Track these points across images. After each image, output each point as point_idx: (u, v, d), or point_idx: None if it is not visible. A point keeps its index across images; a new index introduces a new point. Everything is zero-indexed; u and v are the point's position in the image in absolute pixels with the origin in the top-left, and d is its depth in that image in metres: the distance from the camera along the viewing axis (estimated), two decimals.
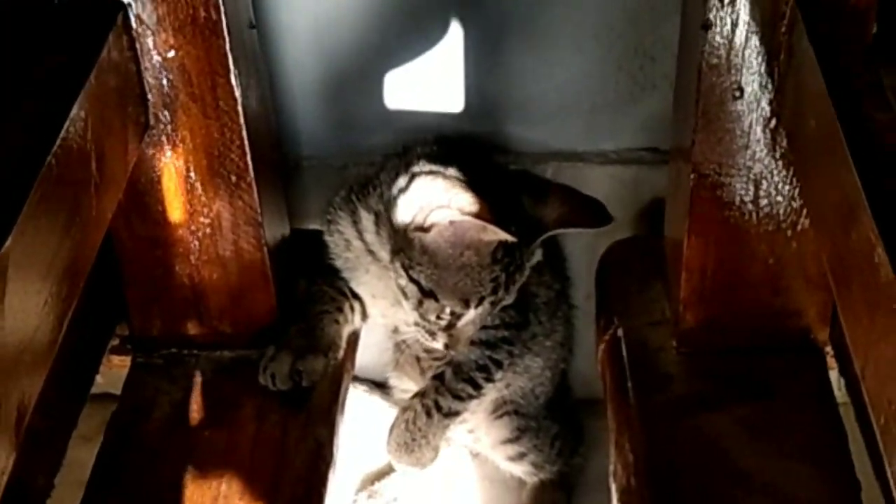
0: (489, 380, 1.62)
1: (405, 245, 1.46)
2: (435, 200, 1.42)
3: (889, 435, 1.03)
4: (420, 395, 1.65)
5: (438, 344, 1.51)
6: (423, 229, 1.43)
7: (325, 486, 1.54)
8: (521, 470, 1.83)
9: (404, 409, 1.65)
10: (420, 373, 1.75)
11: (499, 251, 1.44)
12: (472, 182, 1.44)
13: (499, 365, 1.62)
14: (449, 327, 1.49)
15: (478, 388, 1.62)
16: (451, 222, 1.41)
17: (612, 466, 1.58)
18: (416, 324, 1.52)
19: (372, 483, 1.97)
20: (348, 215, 1.55)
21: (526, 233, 1.46)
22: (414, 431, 1.63)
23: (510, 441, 1.78)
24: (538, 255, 1.51)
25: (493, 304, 1.48)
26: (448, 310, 1.47)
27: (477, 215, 1.40)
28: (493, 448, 1.81)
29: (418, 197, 1.44)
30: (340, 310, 1.61)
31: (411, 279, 1.47)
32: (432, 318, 1.49)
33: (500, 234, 1.40)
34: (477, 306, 1.47)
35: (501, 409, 1.76)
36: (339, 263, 1.59)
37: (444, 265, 1.44)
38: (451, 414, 1.62)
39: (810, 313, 1.58)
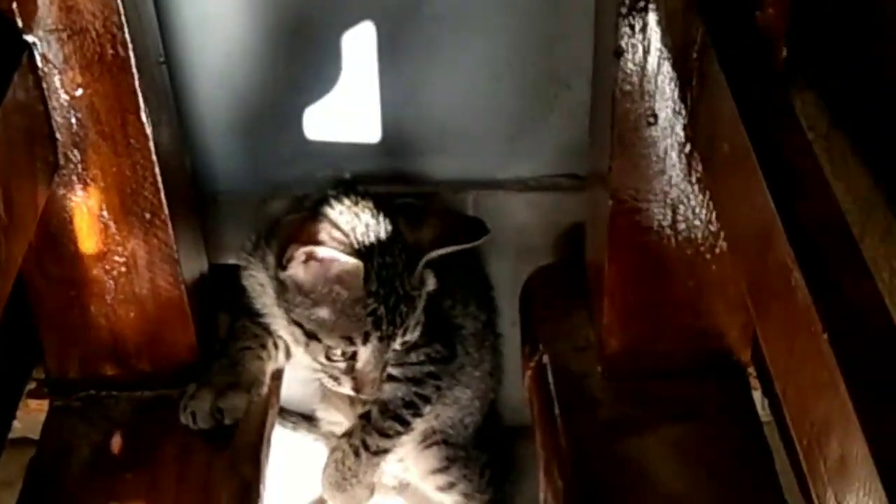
0: (417, 415, 1.62)
1: (282, 288, 1.46)
2: (290, 236, 1.44)
3: (812, 457, 1.03)
4: (348, 434, 1.64)
5: (346, 388, 1.50)
6: (283, 267, 1.44)
7: None
8: (451, 500, 1.81)
9: (333, 450, 1.65)
10: (349, 404, 1.73)
11: (371, 283, 1.43)
12: (345, 217, 1.46)
13: (426, 400, 1.61)
14: (349, 370, 1.48)
15: (405, 424, 1.61)
16: (308, 255, 1.41)
17: (542, 494, 1.58)
18: (317, 369, 1.51)
19: None
20: (259, 261, 1.53)
21: (406, 260, 1.46)
22: (344, 471, 1.62)
23: (439, 471, 1.77)
24: (430, 284, 1.51)
25: (383, 339, 1.46)
26: (337, 351, 1.46)
27: (318, 242, 1.40)
28: (423, 478, 1.79)
29: (278, 237, 1.46)
30: (264, 346, 1.59)
31: (293, 321, 1.47)
32: (324, 360, 1.48)
33: (344, 260, 1.40)
34: (364, 343, 1.46)
35: (430, 439, 1.75)
36: (257, 306, 1.57)
37: (318, 303, 1.44)
38: (380, 452, 1.62)
39: (732, 334, 1.58)
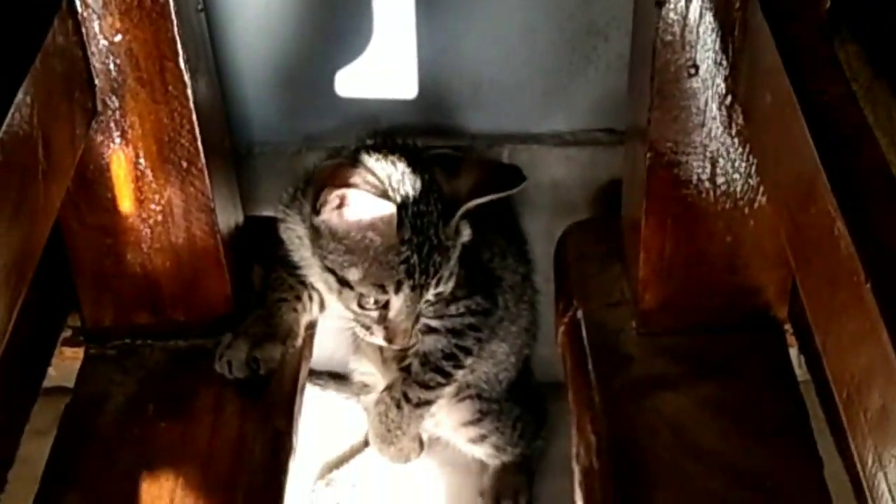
0: (458, 367, 1.61)
1: (316, 235, 1.46)
2: (324, 181, 1.42)
3: (851, 409, 1.02)
4: (389, 388, 1.64)
5: (378, 338, 1.49)
6: (317, 211, 1.43)
7: (284, 475, 1.52)
8: (482, 452, 1.81)
9: (376, 403, 1.65)
10: (381, 357, 1.73)
11: (405, 230, 1.42)
12: (380, 164, 1.45)
13: (467, 352, 1.61)
14: (382, 320, 1.48)
15: (447, 376, 1.61)
16: (341, 199, 1.40)
17: (574, 448, 1.58)
18: (350, 318, 1.50)
19: (330, 471, 1.95)
20: (296, 212, 1.52)
21: (442, 210, 1.44)
22: (388, 423, 1.63)
23: (471, 423, 1.77)
24: (466, 235, 1.49)
25: (415, 289, 1.45)
26: (370, 299, 1.45)
27: (352, 186, 1.39)
28: (455, 430, 1.79)
29: (314, 183, 1.45)
30: (299, 298, 1.59)
31: (326, 268, 1.46)
32: (357, 309, 1.47)
33: (377, 205, 1.39)
34: (397, 292, 1.44)
35: (464, 393, 1.75)
36: (294, 259, 1.56)
37: (351, 249, 1.43)
38: (422, 404, 1.62)
39: (769, 290, 1.57)
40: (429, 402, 1.63)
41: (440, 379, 1.61)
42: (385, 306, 1.46)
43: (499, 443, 1.79)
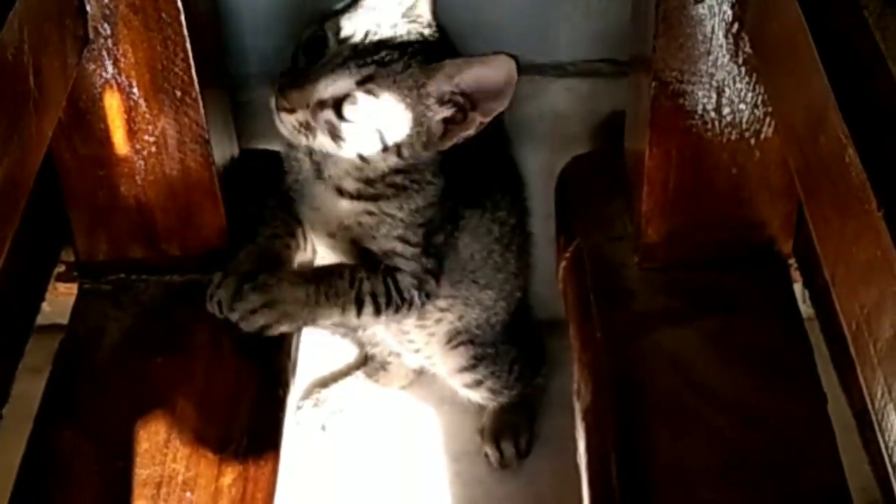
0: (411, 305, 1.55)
1: None
2: None
3: (861, 340, 1.01)
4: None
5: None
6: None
7: (283, 411, 1.51)
8: (479, 396, 1.79)
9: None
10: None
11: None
12: None
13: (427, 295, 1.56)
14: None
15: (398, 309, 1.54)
16: None
17: (575, 385, 1.56)
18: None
19: (319, 390, 1.93)
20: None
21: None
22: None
23: (467, 369, 1.74)
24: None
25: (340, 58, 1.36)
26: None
27: None
28: (451, 376, 1.77)
29: None
30: (293, 235, 1.55)
31: None
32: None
33: None
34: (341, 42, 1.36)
35: (456, 340, 1.71)
36: (293, 187, 1.53)
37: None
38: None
39: (774, 224, 1.55)
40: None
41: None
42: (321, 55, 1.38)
43: (495, 387, 1.76)
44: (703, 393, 1.45)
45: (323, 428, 1.87)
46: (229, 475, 1.39)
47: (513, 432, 1.81)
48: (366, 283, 1.49)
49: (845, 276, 1.06)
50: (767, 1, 1.26)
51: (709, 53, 1.38)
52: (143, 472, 1.39)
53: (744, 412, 1.43)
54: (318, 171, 1.49)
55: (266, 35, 1.70)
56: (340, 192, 1.48)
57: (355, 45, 1.36)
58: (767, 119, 1.43)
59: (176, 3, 1.36)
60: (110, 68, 1.40)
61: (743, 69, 1.39)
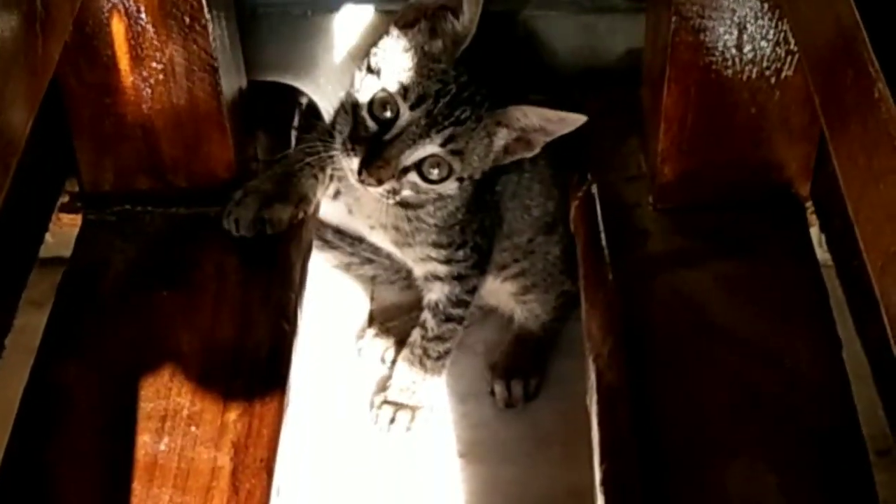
0: (467, 307, 1.62)
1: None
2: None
3: (887, 279, 0.98)
4: (410, 345, 1.67)
5: (354, 163, 1.39)
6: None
7: (290, 348, 1.49)
8: (520, 310, 1.78)
9: (401, 360, 1.70)
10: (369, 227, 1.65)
11: (453, 58, 1.38)
12: None
13: (473, 291, 1.61)
14: (379, 134, 1.39)
15: (460, 320, 1.63)
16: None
17: (585, 326, 1.54)
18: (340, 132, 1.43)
19: (381, 322, 1.88)
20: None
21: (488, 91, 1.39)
22: (413, 377, 1.69)
23: (518, 292, 1.75)
24: (498, 142, 1.43)
25: (430, 117, 1.36)
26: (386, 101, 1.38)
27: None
28: (501, 281, 1.74)
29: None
30: (323, 169, 1.53)
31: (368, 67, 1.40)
32: (364, 113, 1.38)
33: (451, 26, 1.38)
34: (414, 106, 1.36)
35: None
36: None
37: (408, 45, 1.40)
38: (443, 355, 1.67)
39: (792, 167, 1.53)
40: (448, 352, 1.66)
41: (454, 325, 1.63)
42: (394, 118, 1.38)
43: (538, 311, 1.76)
44: (715, 334, 1.44)
45: (392, 421, 1.83)
46: (235, 410, 1.38)
47: (524, 372, 1.78)
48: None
49: (871, 215, 1.03)
50: None
51: None
52: (147, 405, 1.38)
53: (757, 354, 1.41)
54: None
55: None
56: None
57: (430, 111, 1.36)
58: (789, 58, 1.40)
59: None
60: None
61: (766, 5, 1.36)
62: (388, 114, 1.37)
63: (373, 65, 1.39)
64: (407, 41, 1.39)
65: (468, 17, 1.37)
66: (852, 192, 1.07)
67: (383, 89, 1.37)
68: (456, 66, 1.37)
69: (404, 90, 1.36)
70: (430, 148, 1.37)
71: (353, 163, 1.38)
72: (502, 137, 1.42)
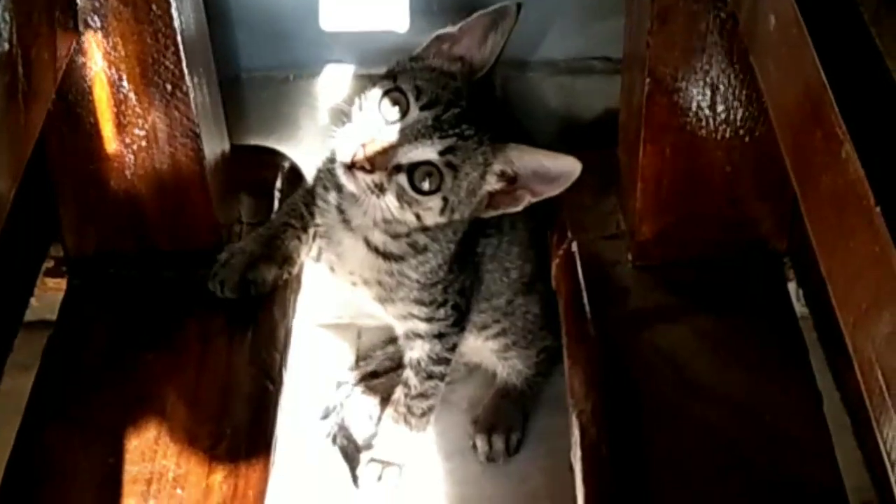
0: (448, 364, 1.63)
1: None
2: None
3: (859, 337, 1.00)
4: (394, 403, 1.68)
5: (351, 147, 1.38)
6: None
7: (275, 408, 1.50)
8: (502, 365, 1.79)
9: (386, 418, 1.71)
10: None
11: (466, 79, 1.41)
12: None
13: (453, 349, 1.62)
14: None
15: (441, 377, 1.64)
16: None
17: (568, 383, 1.55)
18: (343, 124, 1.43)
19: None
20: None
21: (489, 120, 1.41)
22: (399, 429, 1.70)
23: (500, 350, 1.76)
24: (492, 176, 1.43)
25: (436, 120, 1.37)
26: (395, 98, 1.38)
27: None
28: (482, 341, 1.75)
29: None
30: (305, 229, 1.55)
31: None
32: (374, 106, 1.39)
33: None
34: (424, 107, 1.37)
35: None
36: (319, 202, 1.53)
37: (425, 52, 1.44)
38: (427, 412, 1.68)
39: (768, 223, 1.55)
40: (432, 408, 1.68)
41: (436, 382, 1.64)
42: (404, 113, 1.38)
43: (520, 366, 1.77)
44: (697, 390, 1.44)
45: (379, 479, 1.79)
46: (220, 472, 1.38)
47: (506, 427, 1.79)
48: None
49: (842, 271, 1.04)
50: None
51: (703, 50, 1.37)
52: (133, 468, 1.38)
53: (739, 410, 1.42)
54: (346, 221, 1.49)
55: (256, 30, 1.69)
56: (367, 243, 1.49)
57: (438, 116, 1.37)
58: (762, 116, 1.42)
59: None
60: (100, 61, 1.39)
61: (738, 66, 1.38)
62: (397, 111, 1.37)
63: (392, 68, 1.42)
64: (429, 60, 1.42)
65: (489, 49, 1.40)
66: (824, 250, 1.09)
67: (397, 87, 1.38)
68: (469, 88, 1.40)
69: (417, 91, 1.37)
70: (428, 152, 1.37)
71: (351, 144, 1.37)
72: (494, 175, 1.41)
